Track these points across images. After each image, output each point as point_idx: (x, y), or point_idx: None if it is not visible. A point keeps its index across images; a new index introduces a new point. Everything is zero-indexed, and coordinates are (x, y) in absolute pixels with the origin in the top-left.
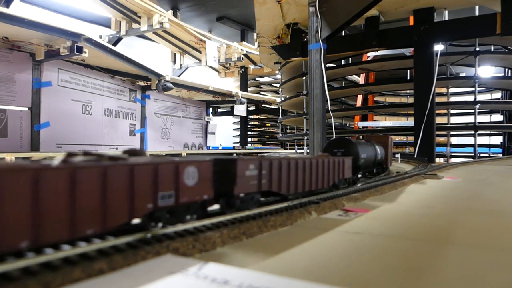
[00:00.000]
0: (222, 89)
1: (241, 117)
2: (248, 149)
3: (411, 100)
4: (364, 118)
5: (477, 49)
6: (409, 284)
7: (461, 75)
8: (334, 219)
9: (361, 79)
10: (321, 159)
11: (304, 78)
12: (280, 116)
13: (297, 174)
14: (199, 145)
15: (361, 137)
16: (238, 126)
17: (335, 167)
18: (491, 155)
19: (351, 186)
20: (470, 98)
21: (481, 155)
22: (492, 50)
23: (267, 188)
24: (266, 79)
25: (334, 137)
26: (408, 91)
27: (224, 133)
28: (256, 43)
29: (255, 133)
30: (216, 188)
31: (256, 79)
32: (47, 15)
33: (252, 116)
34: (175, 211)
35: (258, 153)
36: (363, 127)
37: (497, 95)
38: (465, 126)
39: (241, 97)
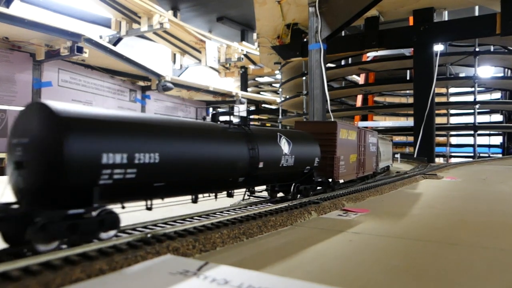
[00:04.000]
0: (222, 89)
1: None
2: None
3: (410, 100)
4: (364, 118)
5: (477, 49)
6: (408, 283)
7: (460, 75)
8: (334, 219)
9: (361, 79)
10: None
11: (304, 78)
12: (280, 116)
13: None
14: None
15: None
16: None
17: None
18: (491, 155)
19: None
20: (470, 98)
21: (481, 155)
22: (492, 50)
23: None
24: (266, 79)
25: None
26: (407, 91)
27: None
28: (256, 43)
29: None
30: None
31: (256, 79)
32: (47, 15)
33: (252, 116)
34: None
35: None
36: (363, 127)
37: (496, 95)
38: (465, 126)
39: (241, 97)
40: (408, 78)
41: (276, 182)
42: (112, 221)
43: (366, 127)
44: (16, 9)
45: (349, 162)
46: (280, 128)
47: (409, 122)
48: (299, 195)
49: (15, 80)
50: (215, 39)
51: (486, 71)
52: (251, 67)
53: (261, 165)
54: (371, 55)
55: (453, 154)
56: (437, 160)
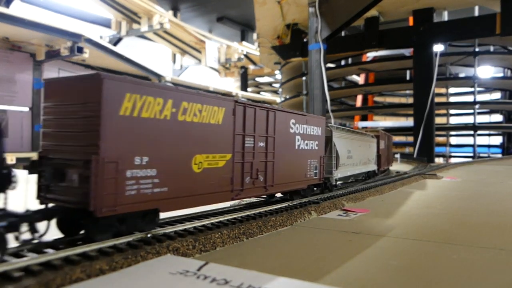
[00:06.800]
0: (222, 89)
1: None
2: None
3: (410, 100)
4: (364, 118)
5: (477, 49)
6: (408, 283)
7: (460, 75)
8: (334, 219)
9: (361, 79)
10: None
11: (304, 78)
12: None
13: None
14: None
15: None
16: None
17: None
18: (491, 155)
19: None
20: (470, 98)
21: (481, 155)
22: (492, 50)
23: None
24: (266, 79)
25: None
26: (407, 92)
27: None
28: (256, 43)
29: None
30: None
31: (256, 79)
32: (48, 16)
33: None
34: None
35: None
36: (362, 127)
37: (496, 95)
38: (465, 126)
39: (241, 97)
40: (408, 78)
41: None
42: None
43: (367, 127)
44: (16, 9)
45: (190, 170)
46: None
47: (409, 122)
48: None
49: (15, 80)
50: (215, 39)
51: (486, 71)
52: (251, 67)
53: None
54: (371, 55)
55: (453, 154)
56: (437, 160)
